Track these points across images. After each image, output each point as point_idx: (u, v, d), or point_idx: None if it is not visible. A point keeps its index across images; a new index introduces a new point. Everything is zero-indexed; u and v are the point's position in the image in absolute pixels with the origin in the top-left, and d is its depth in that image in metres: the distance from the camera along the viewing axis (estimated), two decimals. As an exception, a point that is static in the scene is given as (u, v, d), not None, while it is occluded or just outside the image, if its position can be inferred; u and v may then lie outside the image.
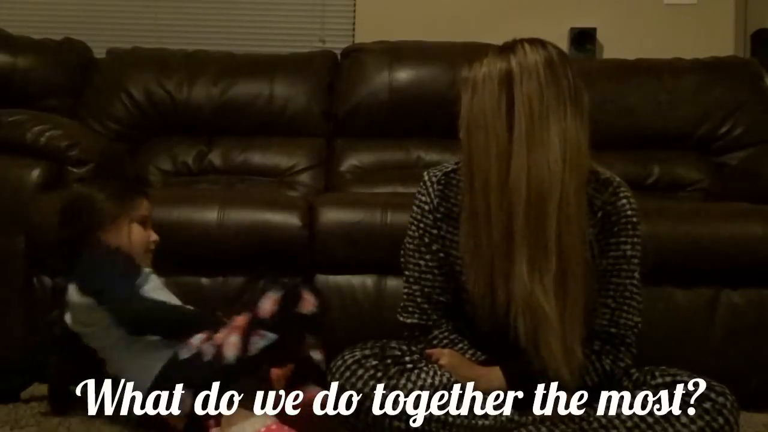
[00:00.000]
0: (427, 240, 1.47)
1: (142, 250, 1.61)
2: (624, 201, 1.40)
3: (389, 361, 1.41)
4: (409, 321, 1.49)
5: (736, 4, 3.17)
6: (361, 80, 2.64)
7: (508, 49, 1.35)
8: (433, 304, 1.48)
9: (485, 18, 3.15)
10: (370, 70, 2.64)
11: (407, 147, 2.59)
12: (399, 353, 1.45)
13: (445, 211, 1.47)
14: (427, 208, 1.47)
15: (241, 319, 1.42)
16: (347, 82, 2.67)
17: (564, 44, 3.12)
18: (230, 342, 1.39)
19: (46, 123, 2.02)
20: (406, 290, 1.51)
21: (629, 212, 1.40)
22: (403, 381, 1.35)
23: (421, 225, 1.48)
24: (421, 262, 1.48)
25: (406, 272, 1.51)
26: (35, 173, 1.93)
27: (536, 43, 1.35)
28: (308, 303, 1.44)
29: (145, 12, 3.30)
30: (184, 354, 1.43)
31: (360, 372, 1.37)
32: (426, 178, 1.50)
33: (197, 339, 1.44)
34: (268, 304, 1.42)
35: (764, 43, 3.09)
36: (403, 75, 2.62)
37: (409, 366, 1.40)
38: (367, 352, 1.42)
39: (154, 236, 1.64)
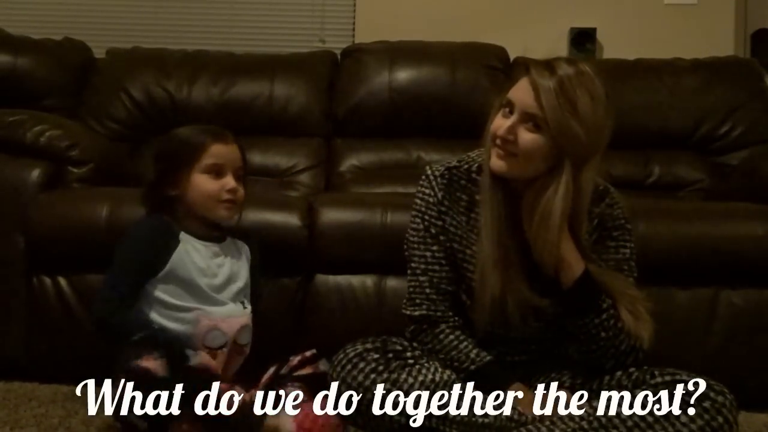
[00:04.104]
0: (433, 231, 1.49)
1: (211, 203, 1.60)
2: (618, 211, 1.50)
3: (390, 355, 1.42)
4: (417, 313, 1.49)
5: (736, 4, 3.17)
6: (361, 80, 2.64)
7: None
8: (441, 294, 1.49)
9: (485, 18, 3.15)
10: (370, 70, 2.64)
11: (407, 147, 2.59)
12: (400, 348, 1.46)
13: (450, 204, 1.49)
14: (431, 200, 1.50)
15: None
16: (347, 82, 2.67)
17: (564, 44, 3.13)
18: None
19: (46, 123, 2.01)
20: (412, 283, 1.51)
21: (622, 220, 1.49)
22: (404, 375, 1.37)
23: (426, 217, 1.50)
24: (428, 254, 1.49)
25: (412, 264, 1.51)
26: (35, 173, 1.92)
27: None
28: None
29: (145, 12, 3.31)
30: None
31: (361, 365, 1.38)
32: (429, 172, 1.53)
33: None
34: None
35: (764, 43, 3.09)
36: (403, 75, 2.62)
37: (410, 361, 1.41)
38: (368, 345, 1.43)
39: (230, 183, 1.61)
